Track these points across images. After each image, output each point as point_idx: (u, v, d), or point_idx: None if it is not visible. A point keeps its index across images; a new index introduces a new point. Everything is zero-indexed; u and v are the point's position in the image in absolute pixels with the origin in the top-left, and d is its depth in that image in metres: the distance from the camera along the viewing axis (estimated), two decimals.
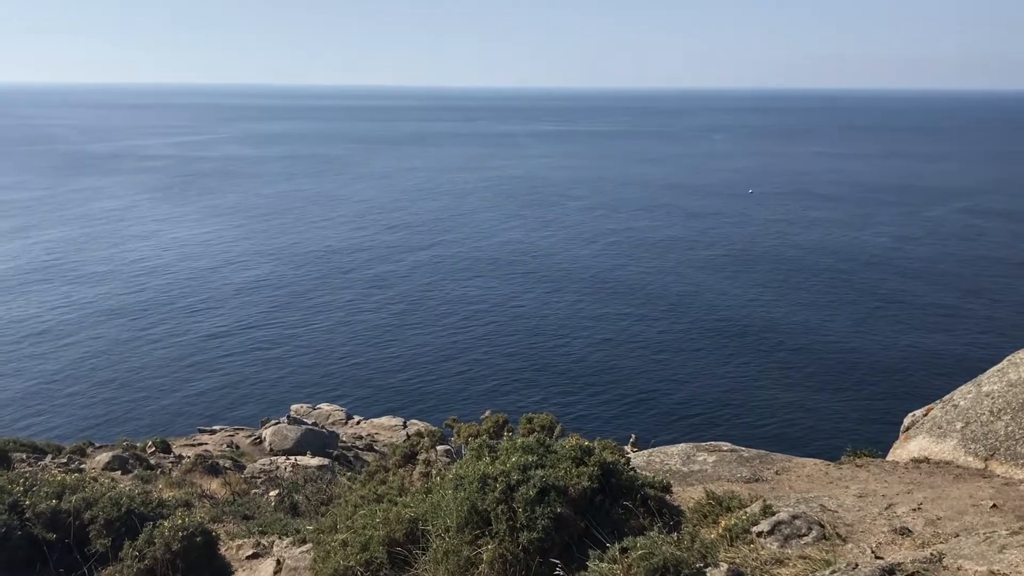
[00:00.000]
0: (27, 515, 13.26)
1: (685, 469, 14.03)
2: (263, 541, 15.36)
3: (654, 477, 11.88)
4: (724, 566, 8.55)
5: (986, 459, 13.08)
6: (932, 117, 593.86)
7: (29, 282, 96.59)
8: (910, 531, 9.85)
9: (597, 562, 8.90)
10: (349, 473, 28.06)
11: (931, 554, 8.18)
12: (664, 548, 8.56)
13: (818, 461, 14.15)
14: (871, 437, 46.89)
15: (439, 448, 26.80)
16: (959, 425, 14.07)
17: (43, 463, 26.35)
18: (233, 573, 13.85)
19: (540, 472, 10.33)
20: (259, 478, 27.28)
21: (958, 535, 9.35)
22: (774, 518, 9.96)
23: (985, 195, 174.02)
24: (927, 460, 13.63)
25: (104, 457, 27.95)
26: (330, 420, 46.21)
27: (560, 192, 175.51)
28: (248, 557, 14.76)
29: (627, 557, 8.60)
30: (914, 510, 10.61)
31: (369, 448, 39.83)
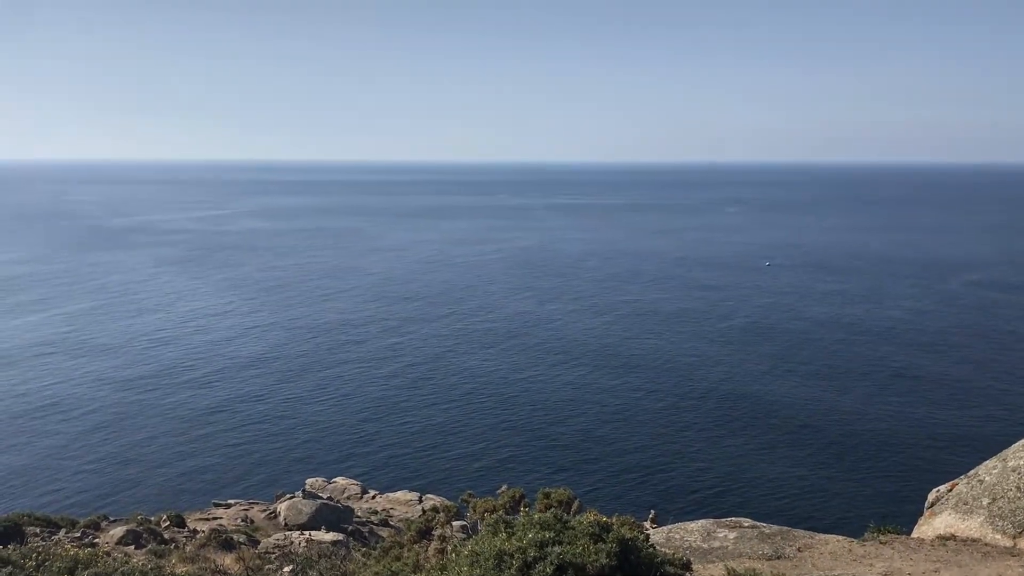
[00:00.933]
0: None
1: (705, 546, 13.79)
2: None
3: (674, 554, 11.68)
4: None
5: (1015, 537, 12.78)
6: (937, 190, 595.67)
7: (44, 354, 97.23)
8: None
9: None
10: (364, 549, 27.66)
11: None
12: None
13: (841, 538, 13.87)
14: (892, 512, 45.85)
15: (455, 524, 26.43)
16: (985, 501, 13.79)
17: (56, 537, 26.16)
18: None
19: (557, 549, 10.19)
20: (273, 553, 26.94)
21: None
22: None
23: (996, 267, 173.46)
24: (953, 537, 13.34)
25: (118, 531, 27.72)
26: (345, 494, 45.76)
27: (574, 264, 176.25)
28: None
29: None
30: None
31: (384, 523, 39.32)
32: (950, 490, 15.07)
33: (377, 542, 29.90)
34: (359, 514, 39.87)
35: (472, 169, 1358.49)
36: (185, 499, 53.87)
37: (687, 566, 11.45)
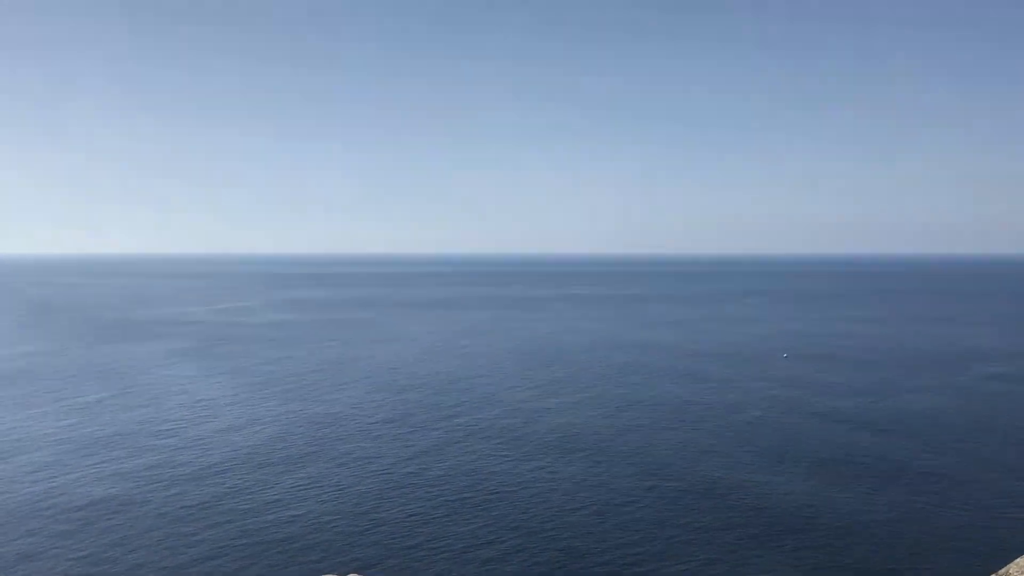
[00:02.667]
0: None
1: None
2: None
3: None
4: None
5: None
6: (954, 281, 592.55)
7: (49, 444, 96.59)
8: None
9: None
10: None
11: None
12: None
13: None
14: None
15: None
16: None
17: None
18: None
19: None
20: None
21: None
22: None
23: (1017, 359, 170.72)
24: None
25: None
26: None
27: (585, 354, 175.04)
28: None
29: None
30: None
31: None
32: None
33: None
34: None
35: (486, 260, 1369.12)
36: None
37: None
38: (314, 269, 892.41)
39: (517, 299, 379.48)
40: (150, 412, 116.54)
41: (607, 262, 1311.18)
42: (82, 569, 61.54)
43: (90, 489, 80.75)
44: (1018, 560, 13.98)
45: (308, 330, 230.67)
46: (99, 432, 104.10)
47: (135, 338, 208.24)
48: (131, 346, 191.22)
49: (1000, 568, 13.90)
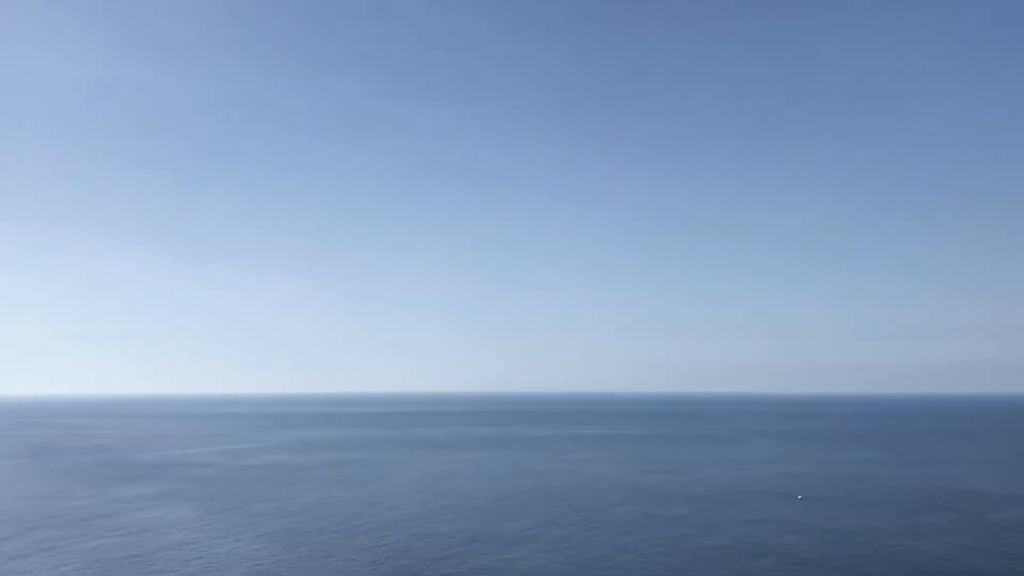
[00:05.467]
0: None
1: None
2: None
3: None
4: None
5: None
6: (970, 421, 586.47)
7: None
8: None
9: None
10: None
11: None
12: None
13: None
14: None
15: None
16: None
17: None
18: None
19: None
20: None
21: None
22: None
23: None
24: None
25: None
26: None
27: (597, 499, 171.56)
28: None
29: None
30: None
31: None
32: None
33: None
34: None
35: (489, 399, 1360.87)
36: None
37: None
38: (309, 409, 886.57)
39: (523, 439, 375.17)
40: (151, 563, 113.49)
41: (607, 400, 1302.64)
42: None
43: None
44: None
45: (308, 473, 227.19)
46: None
47: (141, 480, 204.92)
48: (137, 489, 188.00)
49: None
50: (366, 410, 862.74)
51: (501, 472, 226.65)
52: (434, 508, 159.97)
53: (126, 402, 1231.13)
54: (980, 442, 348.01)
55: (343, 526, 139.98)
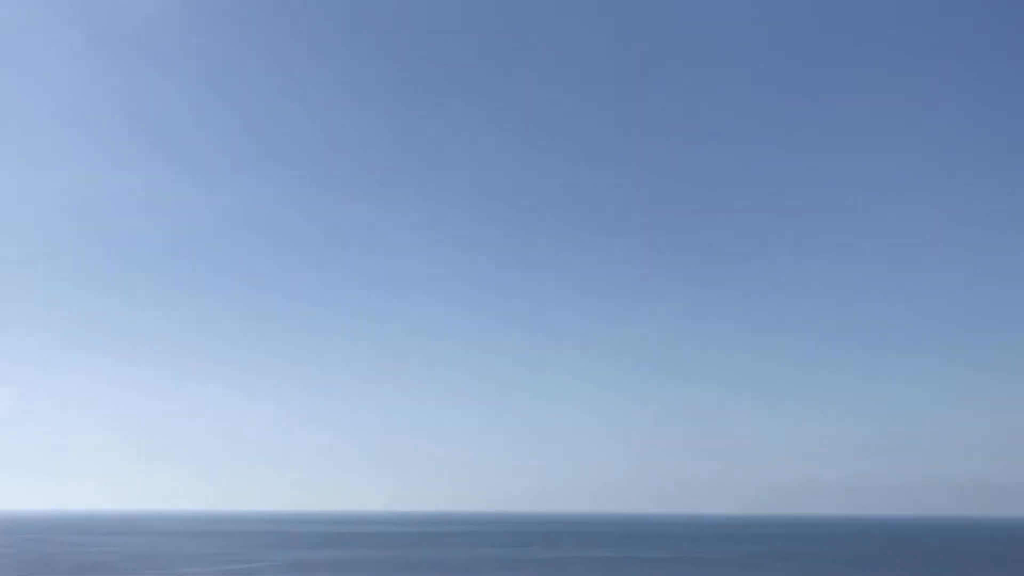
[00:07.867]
0: None
1: None
2: None
3: None
4: None
5: None
6: (985, 544, 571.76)
7: None
8: None
9: None
10: None
11: None
12: None
13: None
14: None
15: None
16: None
17: None
18: None
19: None
20: None
21: None
22: None
23: None
24: None
25: None
26: None
27: None
28: None
29: None
30: None
31: None
32: None
33: None
34: None
35: (506, 519, 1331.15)
36: None
37: None
38: (316, 528, 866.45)
39: (537, 561, 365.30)
40: None
41: (618, 521, 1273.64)
42: None
43: None
44: None
45: None
46: None
47: None
48: None
49: None
50: (371, 529, 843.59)
51: None
52: None
53: (124, 518, 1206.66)
54: (1001, 565, 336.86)
55: None
